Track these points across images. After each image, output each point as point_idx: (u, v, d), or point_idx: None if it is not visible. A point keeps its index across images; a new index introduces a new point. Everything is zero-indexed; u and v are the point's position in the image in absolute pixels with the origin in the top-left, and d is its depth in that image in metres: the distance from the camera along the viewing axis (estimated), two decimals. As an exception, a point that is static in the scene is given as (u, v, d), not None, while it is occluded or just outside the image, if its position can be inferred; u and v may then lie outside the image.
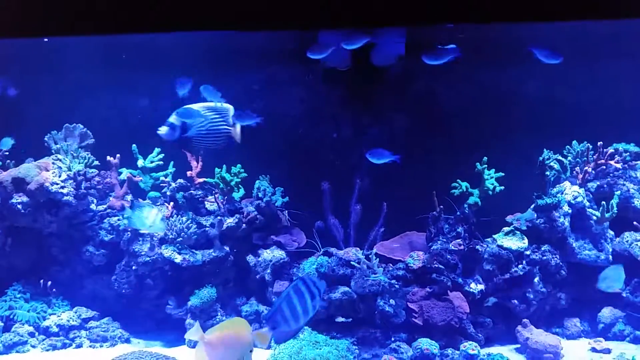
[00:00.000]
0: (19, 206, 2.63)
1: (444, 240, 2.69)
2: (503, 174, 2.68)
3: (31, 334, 2.60)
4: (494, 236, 2.67)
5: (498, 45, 2.78)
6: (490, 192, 2.67)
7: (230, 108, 2.17)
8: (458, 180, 2.73)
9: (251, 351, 1.81)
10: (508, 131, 2.86)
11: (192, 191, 2.84)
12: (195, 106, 2.12)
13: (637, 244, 2.54)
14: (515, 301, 2.58)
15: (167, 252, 2.63)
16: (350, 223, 2.96)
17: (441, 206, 2.73)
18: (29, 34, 1.54)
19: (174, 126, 2.07)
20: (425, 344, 2.42)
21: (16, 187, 2.65)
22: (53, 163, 2.71)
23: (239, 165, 2.83)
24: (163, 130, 2.05)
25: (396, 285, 2.58)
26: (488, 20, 1.36)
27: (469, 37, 2.67)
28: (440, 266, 2.61)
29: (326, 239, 2.93)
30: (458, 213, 2.71)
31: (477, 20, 1.38)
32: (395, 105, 3.11)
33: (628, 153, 2.73)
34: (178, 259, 2.62)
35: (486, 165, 2.66)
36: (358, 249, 2.76)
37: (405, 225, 3.02)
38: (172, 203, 2.77)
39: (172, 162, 2.91)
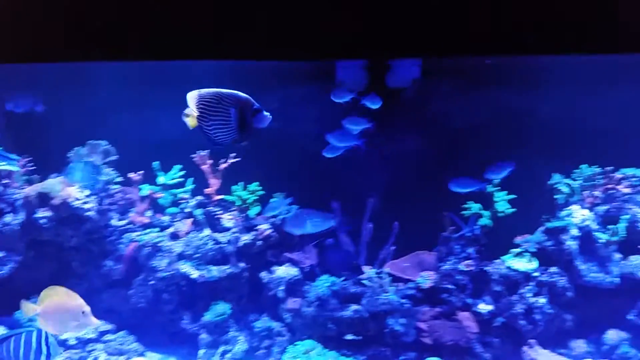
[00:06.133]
0: (43, 221, 2.72)
1: (455, 260, 2.76)
2: (515, 196, 2.76)
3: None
4: (504, 257, 2.73)
5: (511, 70, 2.87)
6: (502, 214, 2.74)
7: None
8: (470, 201, 2.80)
9: (83, 312, 2.02)
10: (520, 153, 2.92)
11: (209, 208, 2.93)
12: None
13: (644, 268, 2.59)
14: (523, 322, 2.63)
15: (185, 267, 2.71)
16: (362, 241, 3.04)
17: (452, 227, 2.80)
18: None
19: None
20: (435, 362, 2.48)
21: (41, 201, 2.74)
22: (77, 179, 2.81)
23: (256, 183, 2.92)
24: None
25: (407, 305, 2.64)
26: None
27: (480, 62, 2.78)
28: (451, 286, 2.68)
29: (341, 258, 3.00)
30: (469, 234, 2.78)
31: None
32: (410, 126, 3.19)
33: (636, 178, 2.79)
34: (195, 274, 2.70)
35: (499, 187, 2.74)
36: (370, 267, 2.83)
37: (417, 245, 3.09)
38: (191, 219, 2.86)
39: (191, 179, 3.00)
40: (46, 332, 1.97)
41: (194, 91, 1.89)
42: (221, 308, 2.73)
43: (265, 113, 1.84)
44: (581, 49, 1.42)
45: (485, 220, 2.73)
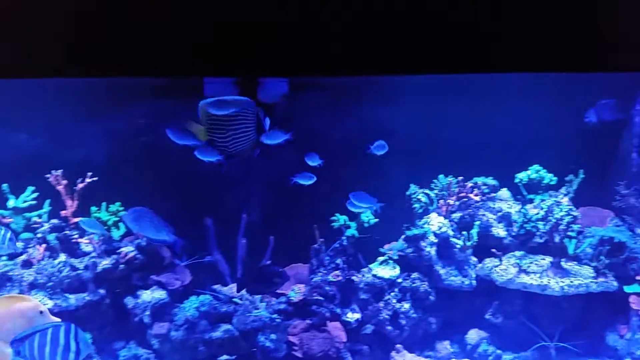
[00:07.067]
0: None
1: (325, 272, 2.79)
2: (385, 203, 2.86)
3: None
4: (370, 266, 2.82)
5: (373, 84, 2.99)
6: (366, 225, 2.83)
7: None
8: (337, 213, 2.87)
9: (41, 312, 1.84)
10: (384, 165, 3.04)
11: (66, 232, 2.74)
12: None
13: (496, 269, 2.78)
14: (390, 327, 2.72)
15: (37, 297, 2.49)
16: (238, 258, 2.99)
17: (322, 239, 2.84)
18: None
19: None
20: (304, 376, 2.48)
21: None
22: None
23: (117, 203, 2.77)
24: None
25: (277, 320, 2.63)
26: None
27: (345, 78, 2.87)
28: (320, 298, 2.71)
29: (214, 275, 2.94)
30: (337, 245, 2.84)
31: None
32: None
33: (486, 186, 3.01)
34: (49, 304, 2.49)
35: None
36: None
37: (294, 258, 3.10)
38: (44, 245, 2.64)
39: (48, 201, 2.79)
40: (75, 327, 1.73)
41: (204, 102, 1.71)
42: (80, 338, 2.54)
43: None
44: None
45: (351, 231, 2.80)
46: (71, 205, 2.75)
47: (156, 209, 2.93)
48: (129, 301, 2.69)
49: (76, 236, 2.71)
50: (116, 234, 2.78)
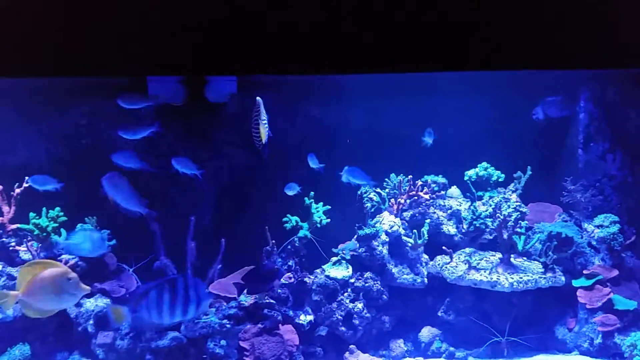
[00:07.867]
0: None
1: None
2: (330, 207, 2.83)
3: None
4: (323, 266, 2.79)
5: (325, 82, 2.96)
6: (318, 225, 2.80)
7: None
8: (288, 214, 2.82)
9: (69, 279, 1.83)
10: (337, 164, 3.02)
11: (4, 239, 2.60)
12: None
13: (447, 267, 2.80)
14: (343, 328, 2.70)
15: (-32, 310, 2.36)
16: (187, 262, 2.91)
17: (273, 240, 2.79)
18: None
19: None
20: (255, 381, 2.43)
21: None
22: None
23: (57, 209, 2.65)
24: None
25: (227, 325, 2.56)
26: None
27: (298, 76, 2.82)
28: (272, 301, 2.66)
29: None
30: (289, 247, 2.79)
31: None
32: (232, 140, 3.14)
33: (436, 184, 3.03)
34: (-18, 317, 2.37)
35: (312, 200, 2.79)
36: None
37: (247, 261, 3.03)
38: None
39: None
40: (193, 277, 1.73)
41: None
42: (19, 350, 2.43)
43: None
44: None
45: (303, 232, 2.76)
46: (8, 211, 2.62)
47: (99, 214, 2.83)
48: (72, 310, 2.58)
49: (14, 244, 2.59)
50: (58, 240, 2.66)
